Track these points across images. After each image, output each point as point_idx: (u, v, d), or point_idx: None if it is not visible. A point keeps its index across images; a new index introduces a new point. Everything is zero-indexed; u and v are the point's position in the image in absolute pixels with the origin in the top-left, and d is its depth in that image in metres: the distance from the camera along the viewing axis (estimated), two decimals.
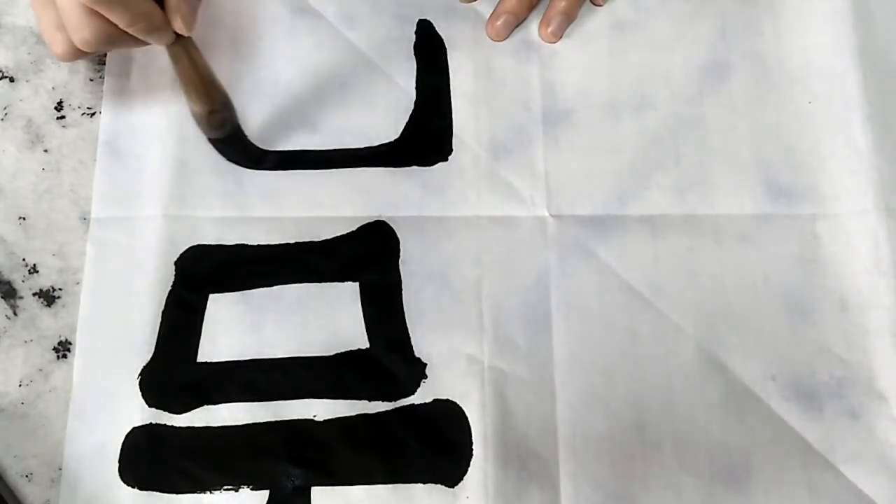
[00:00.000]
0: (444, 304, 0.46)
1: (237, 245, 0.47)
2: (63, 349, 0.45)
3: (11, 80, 0.50)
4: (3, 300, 0.46)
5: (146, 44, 0.40)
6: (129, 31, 0.38)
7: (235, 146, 0.48)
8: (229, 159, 0.48)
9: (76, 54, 0.41)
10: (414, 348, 0.45)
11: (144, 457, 0.44)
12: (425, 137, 0.49)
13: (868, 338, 0.46)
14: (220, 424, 0.44)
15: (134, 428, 0.44)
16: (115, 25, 0.38)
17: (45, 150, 0.49)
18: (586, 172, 0.49)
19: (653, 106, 0.50)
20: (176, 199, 0.47)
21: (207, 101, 0.43)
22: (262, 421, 0.44)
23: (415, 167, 0.49)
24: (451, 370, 0.45)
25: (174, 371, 0.45)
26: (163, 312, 0.46)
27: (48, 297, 0.46)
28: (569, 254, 0.47)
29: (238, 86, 0.49)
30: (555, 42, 0.51)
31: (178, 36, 0.40)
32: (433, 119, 0.50)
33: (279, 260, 0.47)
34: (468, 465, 0.44)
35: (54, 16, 0.39)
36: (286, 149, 0.49)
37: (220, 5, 0.51)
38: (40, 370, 0.45)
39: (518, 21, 0.51)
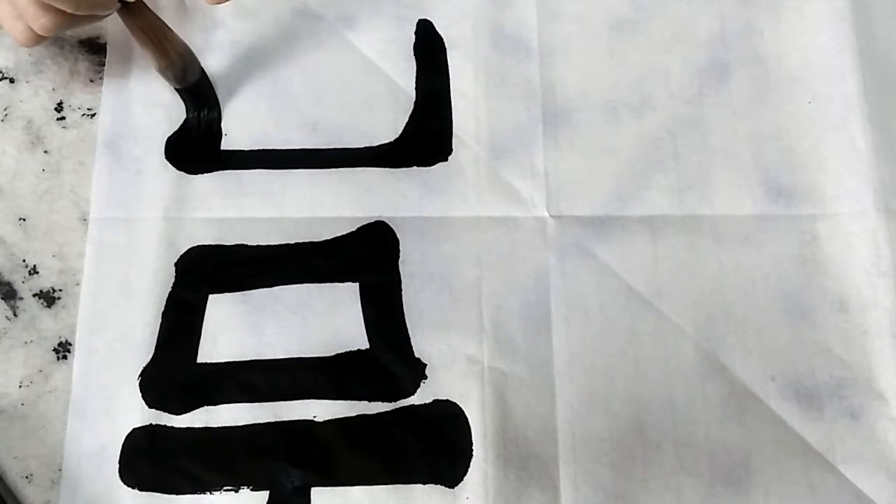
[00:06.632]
0: (444, 305, 0.46)
1: (237, 245, 0.47)
2: (63, 350, 0.45)
3: (11, 80, 0.50)
4: (3, 301, 0.46)
5: (100, 18, 0.45)
6: (78, 13, 0.42)
7: (202, 95, 0.49)
8: (194, 114, 0.49)
9: (38, 39, 0.44)
10: (414, 349, 0.45)
11: (144, 457, 0.44)
12: (425, 137, 0.49)
13: (868, 338, 0.46)
14: (220, 425, 0.44)
15: (134, 429, 0.44)
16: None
17: (45, 151, 0.49)
18: (586, 173, 0.49)
19: (652, 106, 0.50)
20: (176, 201, 0.47)
21: (165, 57, 0.45)
22: (262, 422, 0.44)
23: (415, 167, 0.49)
24: (451, 370, 0.45)
25: (174, 372, 0.45)
26: (163, 313, 0.46)
27: (48, 298, 0.46)
28: (568, 254, 0.47)
29: (238, 85, 0.50)
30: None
31: (124, 3, 0.43)
32: (433, 119, 0.50)
33: (279, 260, 0.47)
34: (468, 466, 0.44)
35: (11, 8, 0.43)
36: (286, 148, 0.49)
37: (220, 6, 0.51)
38: (40, 371, 0.45)
39: None
